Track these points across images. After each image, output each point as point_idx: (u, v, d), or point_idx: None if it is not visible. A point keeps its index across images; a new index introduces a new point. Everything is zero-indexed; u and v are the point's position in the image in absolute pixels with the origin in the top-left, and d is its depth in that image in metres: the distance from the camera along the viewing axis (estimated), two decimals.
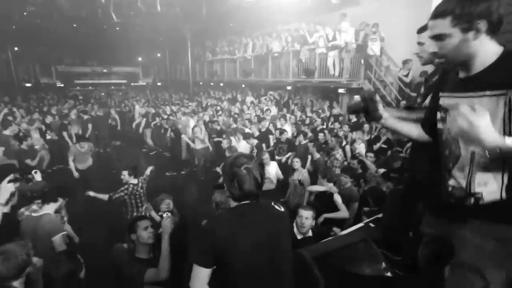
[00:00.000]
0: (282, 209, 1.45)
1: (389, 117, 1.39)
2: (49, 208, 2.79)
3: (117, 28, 12.10)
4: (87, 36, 12.90)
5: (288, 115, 8.32)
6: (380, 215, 2.77)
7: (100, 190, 3.71)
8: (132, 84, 19.67)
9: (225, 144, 6.11)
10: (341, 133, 6.34)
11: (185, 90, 16.21)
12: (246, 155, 1.41)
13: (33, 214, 2.69)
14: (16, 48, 15.54)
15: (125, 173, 3.67)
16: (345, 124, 6.73)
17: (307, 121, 7.71)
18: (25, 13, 9.87)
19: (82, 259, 2.17)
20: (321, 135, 5.90)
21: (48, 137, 7.42)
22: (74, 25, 10.41)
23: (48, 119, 8.39)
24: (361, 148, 5.61)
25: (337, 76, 8.13)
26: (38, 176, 3.50)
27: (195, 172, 7.41)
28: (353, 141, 5.91)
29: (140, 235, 2.14)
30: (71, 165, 5.38)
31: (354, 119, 7.19)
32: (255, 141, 6.18)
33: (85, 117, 8.83)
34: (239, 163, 1.32)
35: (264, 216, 1.38)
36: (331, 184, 3.56)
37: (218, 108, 10.49)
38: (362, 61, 7.84)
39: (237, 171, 1.30)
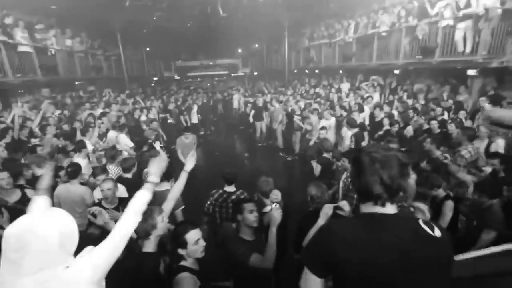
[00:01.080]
0: (438, 234, 1.04)
1: None
2: (167, 185, 3.26)
3: (222, 23, 13.10)
4: (198, 32, 14.57)
5: (396, 104, 7.25)
6: None
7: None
8: (232, 74, 21.33)
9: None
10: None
11: (280, 78, 16.44)
12: (386, 147, 1.16)
13: (156, 189, 3.20)
14: (148, 49, 19.15)
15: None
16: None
17: (421, 110, 6.50)
18: (154, 18, 11.85)
19: None
20: (450, 127, 4.84)
21: (169, 121, 8.90)
22: (188, 24, 11.83)
23: (171, 106, 10.04)
24: (499, 144, 4.32)
25: (468, 53, 6.47)
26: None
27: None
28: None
29: (246, 217, 2.20)
30: (181, 157, 5.78)
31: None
32: (354, 130, 5.65)
33: (195, 105, 10.30)
34: (377, 155, 1.06)
35: (410, 235, 1.02)
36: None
37: (314, 95, 10.15)
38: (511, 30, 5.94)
39: (373, 165, 1.06)
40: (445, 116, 6.04)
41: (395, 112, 6.68)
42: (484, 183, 3.21)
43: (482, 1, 6.04)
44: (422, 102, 7.30)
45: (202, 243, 1.93)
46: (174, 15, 11.27)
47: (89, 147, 5.17)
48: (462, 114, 5.74)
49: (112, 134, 5.98)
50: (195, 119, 10.66)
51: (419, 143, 4.57)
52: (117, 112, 7.88)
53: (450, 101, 6.77)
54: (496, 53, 6.16)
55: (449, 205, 2.90)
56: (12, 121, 5.78)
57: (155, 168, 1.81)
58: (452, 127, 4.86)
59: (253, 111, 10.13)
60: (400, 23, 8.25)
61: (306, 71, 14.86)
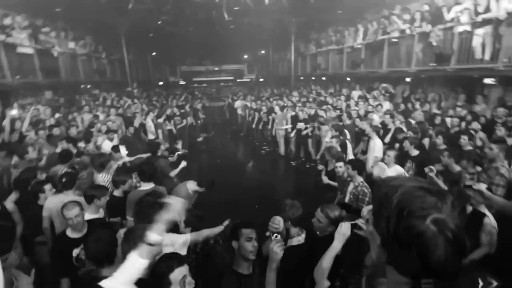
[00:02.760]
0: None
1: None
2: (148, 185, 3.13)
3: (229, 27, 12.92)
4: (204, 37, 14.39)
5: (416, 113, 6.75)
6: None
7: None
8: (237, 80, 21.11)
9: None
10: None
11: (286, 85, 16.14)
12: (422, 183, 0.75)
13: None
14: (153, 54, 19.11)
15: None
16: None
17: (437, 120, 6.06)
18: (159, 22, 11.71)
19: None
20: (463, 140, 4.36)
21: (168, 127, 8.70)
22: (192, 28, 11.63)
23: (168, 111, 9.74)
24: None
25: (487, 60, 6.04)
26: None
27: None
28: None
29: (242, 246, 1.82)
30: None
31: None
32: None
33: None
34: (420, 207, 0.69)
35: None
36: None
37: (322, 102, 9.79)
38: None
39: (417, 226, 0.67)
40: (463, 126, 5.57)
41: (412, 122, 6.21)
42: None
43: (504, 5, 5.64)
44: (435, 111, 6.87)
45: (190, 281, 1.59)
46: (179, 19, 11.09)
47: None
48: (475, 125, 5.27)
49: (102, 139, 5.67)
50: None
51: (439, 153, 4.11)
52: (116, 117, 7.63)
53: (464, 111, 6.29)
54: None
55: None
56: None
57: (163, 222, 1.24)
58: (465, 140, 4.37)
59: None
60: (413, 29, 7.86)
61: (313, 78, 14.53)
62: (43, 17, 9.70)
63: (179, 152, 5.28)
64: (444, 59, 6.76)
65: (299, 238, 2.24)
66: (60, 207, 2.41)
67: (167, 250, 1.93)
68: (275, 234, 1.73)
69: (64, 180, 3.11)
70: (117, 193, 3.22)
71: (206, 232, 2.47)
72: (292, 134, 8.29)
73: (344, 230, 1.70)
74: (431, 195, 0.71)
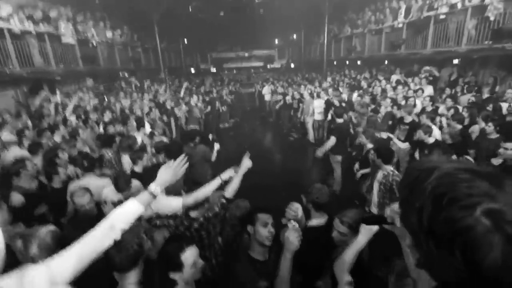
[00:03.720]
0: None
1: None
2: None
3: (258, 11, 12.56)
4: (234, 23, 14.20)
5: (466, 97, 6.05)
6: None
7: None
8: (268, 66, 20.72)
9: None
10: None
11: (318, 70, 15.48)
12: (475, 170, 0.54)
13: None
14: (185, 41, 19.39)
15: None
16: None
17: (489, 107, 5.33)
18: (190, 9, 11.74)
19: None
20: None
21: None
22: (222, 13, 11.46)
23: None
24: None
25: None
26: None
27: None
28: None
29: (258, 231, 1.73)
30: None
31: None
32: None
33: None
34: (466, 194, 0.50)
35: None
36: None
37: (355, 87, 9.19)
38: None
39: (462, 219, 0.49)
40: None
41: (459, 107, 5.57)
42: None
43: None
44: (487, 95, 6.07)
45: (200, 262, 1.55)
46: (209, 4, 11.00)
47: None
48: None
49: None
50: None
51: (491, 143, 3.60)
52: (149, 102, 7.89)
53: None
54: None
55: None
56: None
57: (163, 176, 1.39)
58: None
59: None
60: (466, 2, 6.93)
61: (347, 62, 13.71)
62: (83, 8, 10.22)
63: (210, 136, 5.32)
64: (504, 35, 5.88)
65: (319, 221, 2.08)
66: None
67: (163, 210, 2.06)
68: (292, 221, 1.60)
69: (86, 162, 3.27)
70: (137, 169, 3.36)
71: (201, 192, 2.11)
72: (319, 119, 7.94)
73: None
74: (480, 179, 0.52)
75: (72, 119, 5.84)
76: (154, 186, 1.32)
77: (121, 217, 1.22)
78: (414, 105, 6.08)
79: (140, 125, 5.28)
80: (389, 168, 2.92)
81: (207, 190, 2.11)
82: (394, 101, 6.36)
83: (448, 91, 7.06)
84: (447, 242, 0.50)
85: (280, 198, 1.86)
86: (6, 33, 6.43)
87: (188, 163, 1.49)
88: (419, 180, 0.57)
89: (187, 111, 8.23)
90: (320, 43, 15.17)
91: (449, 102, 5.66)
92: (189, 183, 2.43)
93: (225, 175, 2.23)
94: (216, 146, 4.47)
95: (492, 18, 6.26)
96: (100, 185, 2.86)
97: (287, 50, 20.81)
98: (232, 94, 12.78)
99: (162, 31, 13.40)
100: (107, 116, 6.14)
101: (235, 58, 20.90)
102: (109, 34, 10.79)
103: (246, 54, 20.78)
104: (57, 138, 4.57)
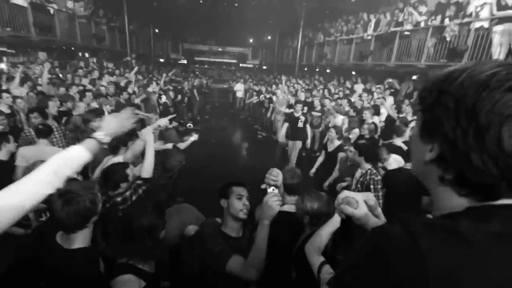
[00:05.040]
0: None
1: None
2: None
3: (236, 8, 12.44)
4: (209, 14, 13.87)
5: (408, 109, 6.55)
6: None
7: None
8: (240, 64, 20.63)
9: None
10: None
11: (289, 74, 15.81)
12: None
13: None
14: (156, 30, 18.46)
15: None
16: None
17: None
18: None
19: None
20: None
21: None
22: (201, 1, 11.07)
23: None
24: None
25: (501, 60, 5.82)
26: None
27: None
28: None
29: (232, 204, 1.61)
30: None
31: None
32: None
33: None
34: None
35: None
36: None
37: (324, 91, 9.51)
38: None
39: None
40: None
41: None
42: None
43: None
44: None
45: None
46: None
47: None
48: None
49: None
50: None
51: None
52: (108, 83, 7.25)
53: None
54: None
55: None
56: None
57: (109, 125, 1.24)
58: None
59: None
60: (428, 22, 7.58)
61: (317, 68, 14.20)
62: None
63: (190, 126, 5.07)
64: (456, 55, 6.53)
65: (292, 206, 2.01)
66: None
67: None
68: (272, 188, 1.51)
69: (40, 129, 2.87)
70: None
71: (137, 145, 2.16)
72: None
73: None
74: None
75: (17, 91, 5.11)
76: (100, 134, 1.19)
77: (66, 162, 1.04)
78: (378, 113, 6.48)
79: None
80: (368, 166, 2.91)
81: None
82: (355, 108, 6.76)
83: (407, 102, 7.62)
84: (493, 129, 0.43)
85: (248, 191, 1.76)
86: None
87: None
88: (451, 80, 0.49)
89: (144, 99, 7.67)
90: (294, 48, 15.52)
91: (409, 109, 6.09)
92: None
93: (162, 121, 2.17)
94: (194, 136, 4.18)
95: (448, 39, 6.91)
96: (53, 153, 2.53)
97: (261, 51, 20.96)
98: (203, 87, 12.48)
99: (131, 11, 12.56)
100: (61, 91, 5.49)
101: (207, 52, 20.44)
102: (69, 4, 9.77)
103: (220, 49, 20.46)
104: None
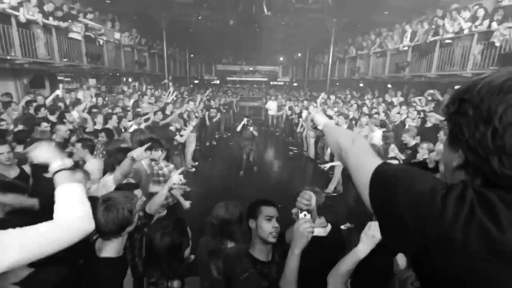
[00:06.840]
0: None
1: None
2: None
3: (266, 26, 12.79)
4: (241, 35, 14.41)
5: None
6: None
7: None
8: (271, 82, 20.91)
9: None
10: None
11: (320, 89, 15.62)
12: None
13: None
14: (192, 56, 19.65)
15: None
16: None
17: None
18: (199, 17, 11.91)
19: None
20: None
21: None
22: (231, 22, 11.53)
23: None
24: None
25: None
26: None
27: None
28: None
29: (260, 226, 1.50)
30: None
31: None
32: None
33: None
34: None
35: None
36: None
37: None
38: None
39: None
40: None
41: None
42: None
43: None
44: None
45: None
46: (218, 13, 11.15)
47: None
48: None
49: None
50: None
51: None
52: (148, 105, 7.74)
53: None
54: None
55: None
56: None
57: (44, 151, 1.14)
58: None
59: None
60: (472, 28, 7.04)
61: (350, 82, 13.84)
62: (94, 8, 10.31)
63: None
64: (509, 60, 5.91)
65: (321, 230, 1.84)
66: None
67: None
68: (304, 213, 1.38)
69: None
70: None
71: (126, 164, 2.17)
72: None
73: (373, 231, 1.32)
74: None
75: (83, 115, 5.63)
76: (54, 164, 1.10)
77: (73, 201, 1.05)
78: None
79: None
80: None
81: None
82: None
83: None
84: None
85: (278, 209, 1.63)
86: (13, 19, 6.36)
87: None
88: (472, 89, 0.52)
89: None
90: (324, 63, 15.39)
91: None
92: None
93: (175, 178, 2.09)
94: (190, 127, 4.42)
95: (497, 44, 6.31)
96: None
97: (291, 68, 21.13)
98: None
99: (170, 37, 13.55)
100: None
101: (239, 71, 21.09)
102: (117, 35, 10.82)
103: (251, 68, 21.01)
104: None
